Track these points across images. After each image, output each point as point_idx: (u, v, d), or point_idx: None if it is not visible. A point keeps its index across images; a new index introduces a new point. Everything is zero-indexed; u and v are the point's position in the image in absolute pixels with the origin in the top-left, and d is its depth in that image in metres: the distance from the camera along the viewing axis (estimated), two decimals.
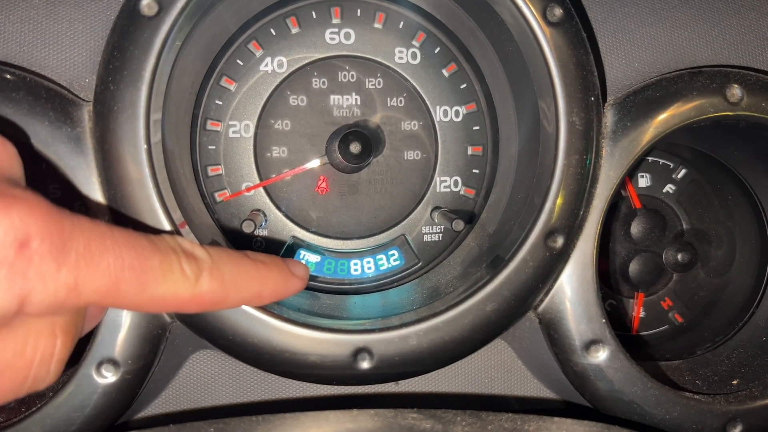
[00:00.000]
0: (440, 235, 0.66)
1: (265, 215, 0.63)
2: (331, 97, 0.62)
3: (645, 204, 0.70)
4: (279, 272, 0.44)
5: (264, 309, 0.51)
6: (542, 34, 0.51)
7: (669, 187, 0.71)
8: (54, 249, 0.32)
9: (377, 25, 0.63)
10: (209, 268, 0.38)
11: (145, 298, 0.35)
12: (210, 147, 0.61)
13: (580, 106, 0.52)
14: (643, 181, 0.71)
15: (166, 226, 0.49)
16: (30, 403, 0.54)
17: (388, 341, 0.51)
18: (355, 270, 0.65)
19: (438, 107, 0.64)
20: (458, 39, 0.63)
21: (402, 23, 0.63)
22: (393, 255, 0.65)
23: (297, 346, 0.51)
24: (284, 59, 0.62)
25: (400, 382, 0.62)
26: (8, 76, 0.49)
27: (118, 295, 0.34)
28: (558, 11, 0.51)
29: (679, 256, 0.66)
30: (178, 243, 0.38)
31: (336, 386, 0.60)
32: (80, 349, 0.66)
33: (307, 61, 0.62)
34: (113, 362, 0.51)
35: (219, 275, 0.39)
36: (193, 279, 0.37)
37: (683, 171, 0.71)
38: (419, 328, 0.51)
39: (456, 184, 0.65)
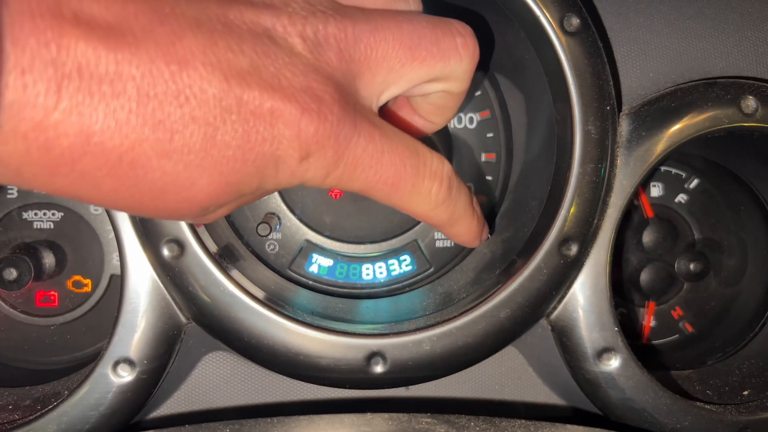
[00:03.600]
0: (452, 241, 0.66)
1: (279, 218, 0.63)
2: None
3: (657, 213, 0.70)
4: (480, 227, 0.47)
5: (278, 311, 0.51)
6: (559, 43, 0.52)
7: (681, 197, 0.71)
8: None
9: None
10: (449, 200, 0.40)
11: (388, 203, 0.38)
12: None
13: (595, 114, 0.52)
14: (656, 190, 0.71)
15: (185, 228, 0.50)
16: (46, 401, 0.54)
17: (402, 346, 0.52)
18: (367, 275, 0.65)
19: None
20: None
21: None
22: (405, 260, 0.65)
23: (311, 349, 0.51)
24: None
25: (410, 387, 0.63)
26: None
27: (367, 192, 0.37)
28: (575, 21, 0.52)
29: (692, 266, 0.66)
30: (444, 168, 0.40)
31: (347, 390, 0.61)
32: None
33: None
34: (129, 362, 0.52)
35: (452, 208, 0.41)
36: (433, 205, 0.40)
37: (696, 181, 0.71)
38: (433, 333, 0.52)
39: (469, 190, 0.66)
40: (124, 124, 0.27)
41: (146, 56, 0.28)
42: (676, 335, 0.72)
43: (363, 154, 0.35)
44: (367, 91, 0.36)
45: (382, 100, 0.39)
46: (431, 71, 0.38)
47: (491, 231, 0.64)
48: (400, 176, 0.37)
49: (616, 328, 0.55)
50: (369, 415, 0.49)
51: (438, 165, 0.39)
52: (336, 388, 0.60)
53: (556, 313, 0.56)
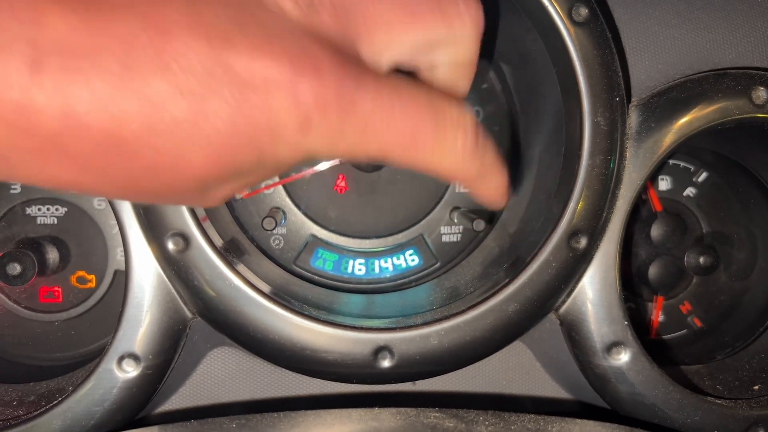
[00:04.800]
0: (459, 235, 0.65)
1: (284, 213, 0.63)
2: None
3: (666, 207, 0.69)
4: (507, 181, 0.42)
5: (284, 305, 0.51)
6: (567, 33, 0.51)
7: (690, 191, 0.71)
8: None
9: None
10: (477, 149, 0.36)
11: (410, 164, 0.34)
12: None
13: (605, 106, 0.52)
14: (664, 184, 0.70)
15: (190, 221, 0.49)
16: (50, 397, 0.54)
17: (410, 340, 0.51)
18: (373, 269, 0.65)
19: None
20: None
21: None
22: (411, 255, 0.65)
23: (318, 344, 0.51)
24: None
25: (417, 381, 0.62)
26: None
27: (384, 156, 0.34)
28: (584, 11, 0.51)
29: (701, 260, 0.66)
30: (467, 116, 0.36)
31: (353, 384, 0.60)
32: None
33: None
34: (134, 357, 0.51)
35: (481, 158, 0.37)
36: (461, 156, 0.35)
37: (704, 174, 0.71)
38: (441, 327, 0.51)
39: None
40: (108, 101, 0.26)
41: (126, 28, 0.26)
42: (685, 330, 0.71)
43: (371, 113, 0.32)
44: (368, 52, 0.34)
45: (385, 62, 0.36)
46: (433, 33, 0.35)
47: (493, 224, 0.63)
48: (418, 130, 0.33)
49: (626, 322, 0.54)
50: (377, 410, 0.49)
51: (459, 112, 0.35)
52: (343, 383, 0.60)
53: (564, 307, 0.55)
